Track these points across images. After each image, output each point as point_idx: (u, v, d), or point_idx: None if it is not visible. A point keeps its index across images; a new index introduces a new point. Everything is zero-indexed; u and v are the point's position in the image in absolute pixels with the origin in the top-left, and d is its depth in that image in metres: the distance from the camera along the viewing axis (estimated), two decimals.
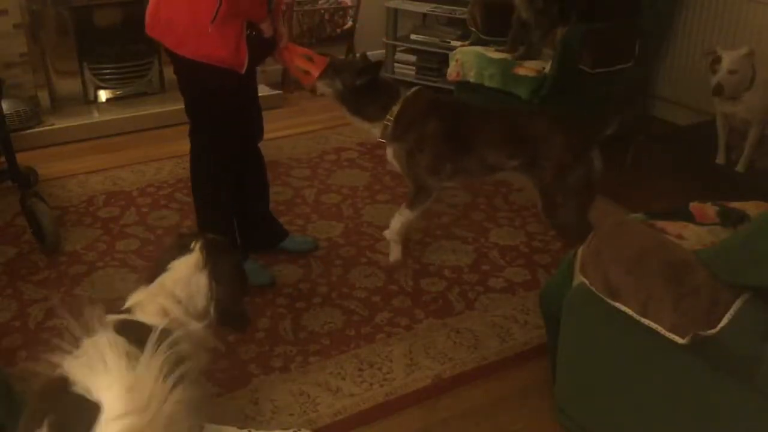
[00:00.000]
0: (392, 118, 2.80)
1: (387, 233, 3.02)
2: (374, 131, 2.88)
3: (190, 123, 2.71)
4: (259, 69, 2.83)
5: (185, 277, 1.86)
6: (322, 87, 2.83)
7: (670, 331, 1.71)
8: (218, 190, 2.73)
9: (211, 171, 2.71)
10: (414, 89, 2.88)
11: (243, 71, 2.52)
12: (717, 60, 3.35)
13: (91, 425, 1.37)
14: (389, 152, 2.92)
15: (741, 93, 3.37)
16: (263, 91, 4.56)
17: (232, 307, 1.94)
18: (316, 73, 2.79)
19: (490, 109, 2.97)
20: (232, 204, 2.81)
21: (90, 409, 1.38)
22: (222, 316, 1.91)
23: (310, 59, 2.81)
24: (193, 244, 1.91)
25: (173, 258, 1.90)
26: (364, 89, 2.79)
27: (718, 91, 3.34)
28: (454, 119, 2.84)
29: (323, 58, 2.85)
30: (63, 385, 1.43)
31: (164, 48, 2.59)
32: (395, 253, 3.03)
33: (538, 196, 2.83)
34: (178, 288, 1.84)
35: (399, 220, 2.97)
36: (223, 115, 2.61)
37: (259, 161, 2.95)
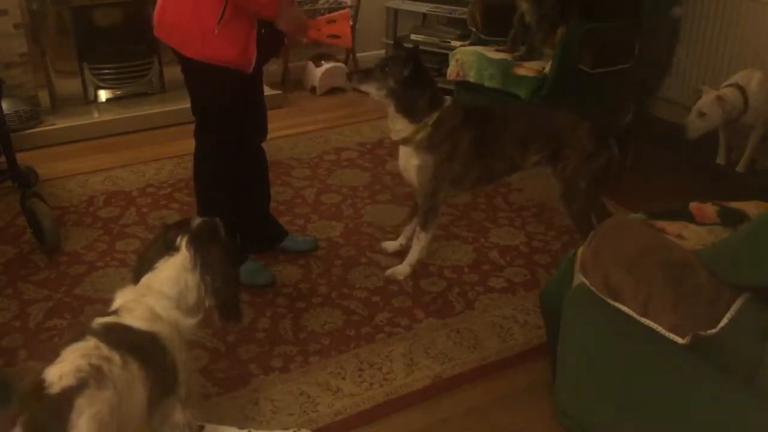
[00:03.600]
0: (430, 125, 2.76)
1: (406, 266, 2.96)
2: (404, 134, 2.79)
3: (196, 121, 2.71)
4: (264, 67, 2.82)
5: (173, 277, 1.83)
6: (373, 90, 2.76)
7: (670, 331, 1.71)
8: (221, 189, 2.73)
9: (215, 170, 2.71)
10: (451, 100, 2.84)
11: (250, 71, 2.53)
12: (699, 99, 3.41)
13: (60, 425, 1.39)
14: (411, 160, 2.83)
15: (739, 119, 3.42)
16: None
17: (228, 297, 1.91)
18: (345, 29, 2.75)
19: (509, 109, 3.00)
20: (235, 203, 2.81)
21: (60, 410, 1.40)
22: (219, 308, 1.89)
23: (333, 21, 2.79)
24: (179, 241, 1.86)
25: (159, 256, 1.86)
26: (413, 83, 2.72)
27: (683, 130, 3.45)
28: (482, 126, 2.85)
29: (344, 12, 2.80)
30: (39, 386, 1.44)
31: (171, 48, 2.59)
32: (407, 272, 2.97)
33: (558, 184, 2.90)
34: (166, 286, 1.81)
35: (419, 245, 2.95)
36: (229, 114, 2.61)
37: (263, 161, 2.95)
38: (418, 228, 2.95)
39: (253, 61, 2.52)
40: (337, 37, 2.80)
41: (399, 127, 2.80)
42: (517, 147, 2.86)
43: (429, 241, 2.97)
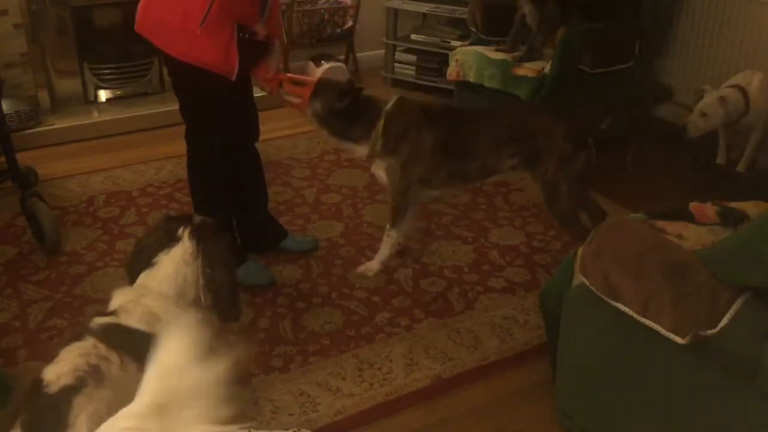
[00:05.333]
0: (379, 135, 2.76)
1: (376, 262, 2.96)
2: (359, 151, 2.84)
3: (185, 124, 2.70)
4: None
5: (171, 275, 1.80)
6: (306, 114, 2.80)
7: (670, 331, 1.71)
8: (216, 192, 2.72)
9: (207, 172, 2.71)
10: (394, 99, 2.83)
11: (233, 78, 2.51)
12: (701, 99, 3.41)
13: (59, 424, 1.39)
14: (380, 167, 2.86)
15: (739, 120, 3.42)
16: (263, 91, 4.57)
17: (227, 294, 1.88)
18: (307, 96, 2.76)
19: (482, 110, 2.98)
20: (231, 205, 2.81)
21: (59, 410, 1.40)
22: (218, 305, 1.87)
23: (300, 84, 2.80)
24: (181, 231, 1.83)
25: (160, 248, 1.82)
26: (345, 111, 2.74)
27: (683, 129, 3.47)
28: (448, 124, 2.83)
29: (313, 81, 2.81)
30: (37, 386, 1.44)
31: (156, 48, 2.58)
32: (376, 268, 2.98)
33: (540, 188, 2.88)
34: (164, 286, 1.79)
35: (389, 243, 2.95)
36: (217, 117, 2.60)
37: (256, 162, 2.95)
38: (387, 225, 2.96)
39: (236, 69, 2.50)
40: (296, 98, 2.79)
41: (347, 147, 2.85)
42: (491, 150, 2.83)
43: (398, 238, 2.98)
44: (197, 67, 2.46)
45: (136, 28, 2.56)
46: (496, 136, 2.82)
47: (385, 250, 2.97)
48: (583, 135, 2.84)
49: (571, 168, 2.80)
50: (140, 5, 2.52)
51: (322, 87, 2.78)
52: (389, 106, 2.80)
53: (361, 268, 2.98)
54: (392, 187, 2.88)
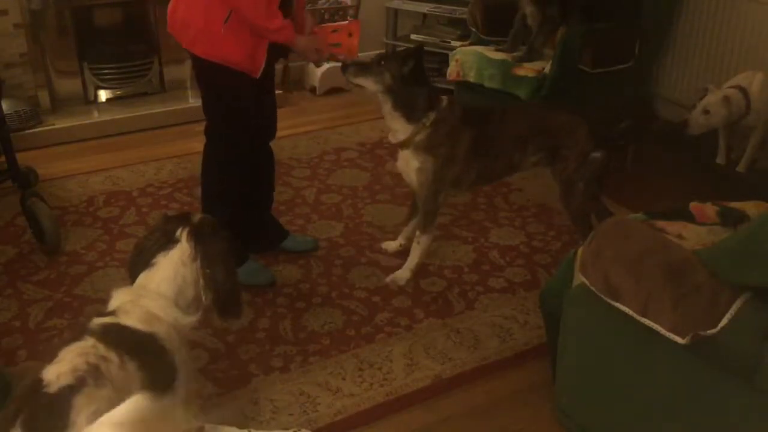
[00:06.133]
0: (427, 125, 2.72)
1: (407, 270, 2.92)
2: (402, 136, 2.76)
3: (206, 120, 2.71)
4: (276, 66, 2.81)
5: (170, 276, 1.80)
6: (369, 84, 2.71)
7: (670, 331, 1.71)
8: (232, 188, 2.72)
9: (224, 168, 2.71)
10: (447, 100, 2.80)
11: (258, 76, 2.53)
12: (703, 97, 3.41)
13: (59, 423, 1.40)
14: (409, 163, 2.79)
15: (740, 120, 3.42)
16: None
17: (228, 292, 1.88)
18: (355, 40, 2.76)
19: (508, 109, 2.99)
20: (242, 203, 2.80)
21: (59, 409, 1.41)
22: (219, 303, 1.87)
23: (336, 31, 2.79)
24: (179, 232, 1.83)
25: (158, 249, 1.83)
26: (412, 81, 2.67)
27: (683, 125, 3.45)
28: (481, 126, 2.83)
29: (352, 23, 2.82)
30: (37, 386, 1.44)
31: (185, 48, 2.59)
32: (407, 276, 2.94)
33: (558, 184, 2.91)
34: (163, 286, 1.79)
35: (419, 250, 2.91)
36: (240, 114, 2.61)
37: (270, 161, 2.95)
38: (418, 231, 2.92)
39: (262, 67, 2.52)
40: (336, 44, 2.77)
41: (397, 127, 2.76)
42: (516, 147, 2.86)
43: (429, 245, 2.95)
44: (221, 65, 2.47)
45: (168, 28, 2.60)
46: (521, 133, 2.85)
47: (415, 257, 2.93)
48: (604, 135, 2.87)
49: (590, 167, 2.84)
50: (169, 6, 2.56)
51: (385, 56, 2.74)
52: (445, 104, 2.76)
53: (389, 279, 2.93)
54: (423, 191, 2.82)
